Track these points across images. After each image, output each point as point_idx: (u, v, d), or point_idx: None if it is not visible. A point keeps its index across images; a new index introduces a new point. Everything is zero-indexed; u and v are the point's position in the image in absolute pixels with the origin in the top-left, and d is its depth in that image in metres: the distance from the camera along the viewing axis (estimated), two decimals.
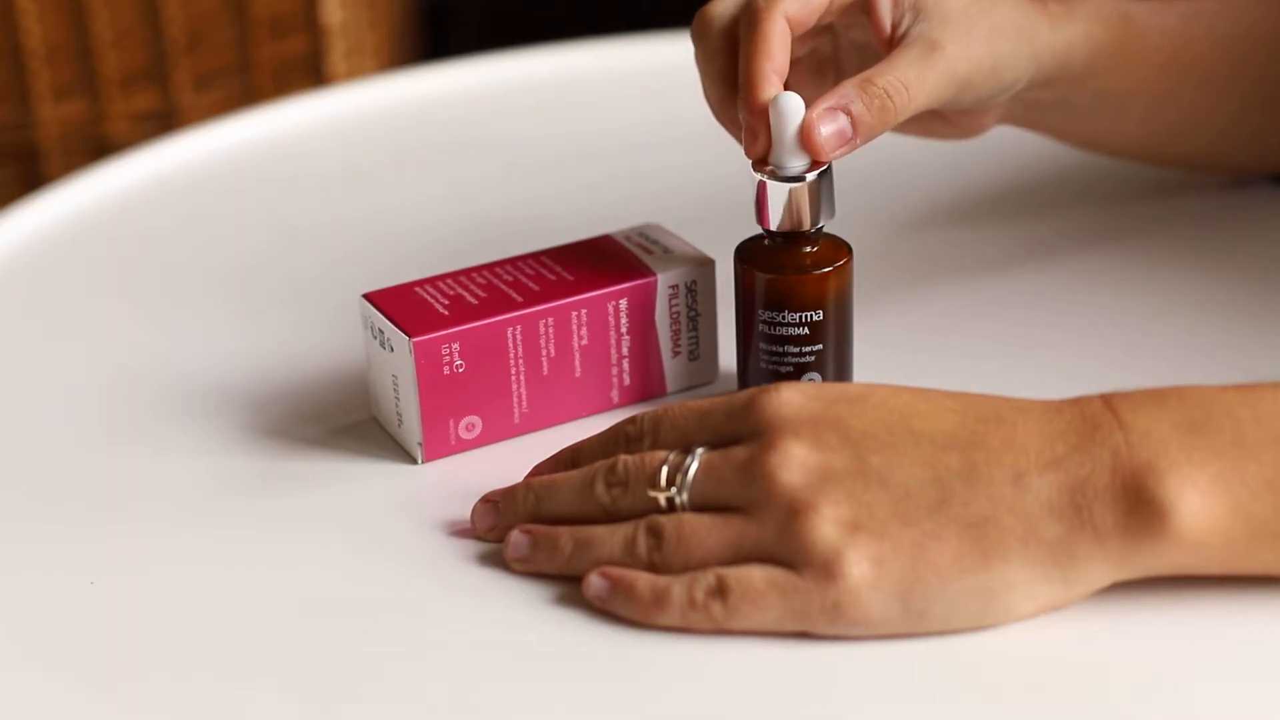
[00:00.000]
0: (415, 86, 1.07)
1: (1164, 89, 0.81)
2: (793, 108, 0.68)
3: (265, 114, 1.03)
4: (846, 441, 0.61)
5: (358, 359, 0.76)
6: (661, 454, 0.64)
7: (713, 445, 0.63)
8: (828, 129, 0.68)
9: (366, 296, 0.72)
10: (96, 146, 1.64)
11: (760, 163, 0.69)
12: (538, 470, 0.68)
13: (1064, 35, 0.75)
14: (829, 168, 0.69)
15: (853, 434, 0.61)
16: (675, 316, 0.74)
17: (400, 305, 0.71)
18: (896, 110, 0.69)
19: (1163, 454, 0.59)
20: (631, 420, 0.66)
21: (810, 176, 0.68)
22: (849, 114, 0.68)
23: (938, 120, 0.78)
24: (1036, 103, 0.79)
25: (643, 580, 0.61)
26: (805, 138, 0.68)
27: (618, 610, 0.62)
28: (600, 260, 0.73)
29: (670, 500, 0.63)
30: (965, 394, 0.62)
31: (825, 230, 0.71)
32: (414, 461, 0.71)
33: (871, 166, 0.93)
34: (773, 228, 0.69)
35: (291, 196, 0.96)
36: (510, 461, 0.70)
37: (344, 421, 0.74)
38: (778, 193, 0.69)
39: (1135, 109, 0.81)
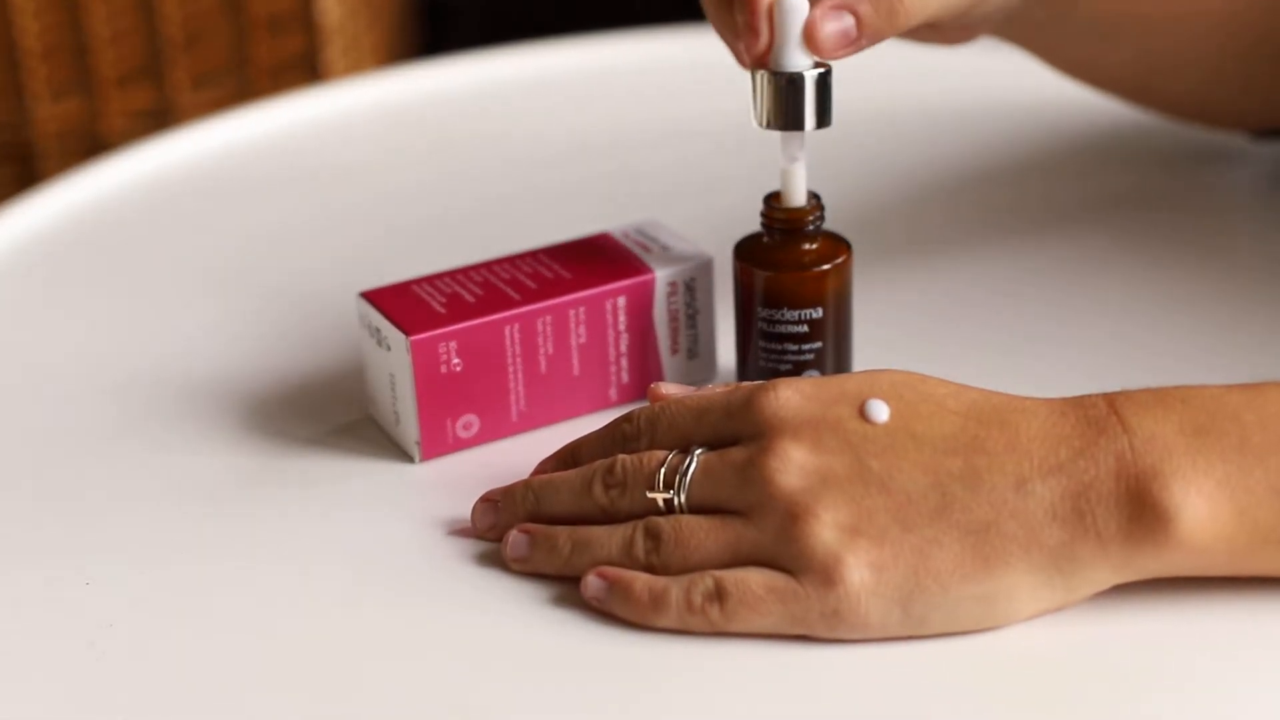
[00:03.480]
0: (412, 83, 1.06)
1: (1156, 17, 0.79)
2: (798, 5, 0.66)
3: (262, 111, 1.03)
4: (846, 445, 0.61)
5: (355, 358, 0.76)
6: (660, 454, 0.63)
7: (711, 445, 0.63)
8: (831, 26, 0.65)
9: (364, 295, 0.71)
10: (93, 144, 1.63)
11: (759, 63, 0.67)
12: (540, 468, 0.68)
13: None
14: (829, 71, 0.67)
15: (852, 437, 0.61)
16: (674, 314, 0.73)
17: (398, 304, 0.71)
18: (907, 14, 0.66)
19: (1167, 459, 0.59)
20: (628, 418, 0.66)
21: (811, 74, 0.66)
22: (855, 13, 0.66)
23: (928, 28, 0.74)
24: (1029, 20, 0.76)
25: (640, 581, 0.61)
26: (807, 35, 0.65)
27: (615, 611, 0.61)
28: (598, 258, 0.73)
29: (669, 502, 0.62)
30: (966, 391, 0.62)
31: (824, 227, 0.70)
32: (411, 460, 0.71)
33: (871, 162, 0.93)
34: (761, 125, 0.68)
35: (288, 194, 0.96)
36: (508, 460, 0.70)
37: (341, 420, 0.74)
38: (775, 88, 0.67)
39: (1127, 39, 0.79)
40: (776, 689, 0.58)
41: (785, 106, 0.67)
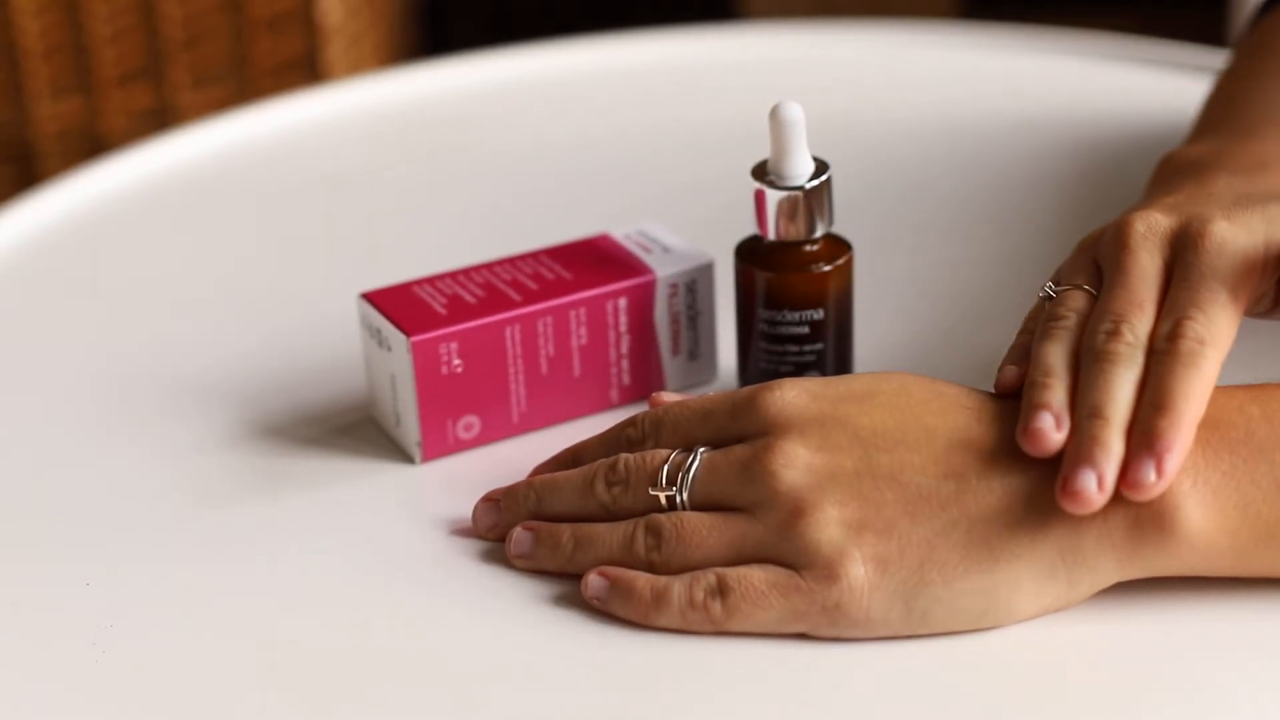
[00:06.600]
0: (413, 84, 1.06)
1: None
2: (794, 117, 0.68)
3: (262, 111, 1.03)
4: (855, 440, 0.61)
5: (355, 358, 0.76)
6: (663, 453, 0.63)
7: (715, 445, 0.63)
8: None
9: (364, 296, 0.71)
10: (93, 144, 1.63)
11: (759, 171, 0.69)
12: (538, 471, 0.68)
13: None
14: (829, 177, 0.69)
15: (862, 432, 0.61)
16: (675, 315, 0.73)
17: (398, 305, 0.70)
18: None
19: None
20: (631, 422, 0.66)
21: (809, 186, 0.68)
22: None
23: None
24: None
25: (642, 580, 0.61)
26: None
27: (616, 610, 0.61)
28: (599, 259, 0.73)
29: (671, 499, 0.62)
30: (975, 391, 0.63)
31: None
32: (412, 461, 0.71)
33: (871, 164, 0.93)
34: (771, 237, 0.69)
35: (289, 194, 0.96)
36: (508, 461, 0.70)
37: (342, 421, 0.74)
38: (776, 201, 0.69)
39: None
40: (777, 690, 0.58)
41: (787, 218, 0.69)
